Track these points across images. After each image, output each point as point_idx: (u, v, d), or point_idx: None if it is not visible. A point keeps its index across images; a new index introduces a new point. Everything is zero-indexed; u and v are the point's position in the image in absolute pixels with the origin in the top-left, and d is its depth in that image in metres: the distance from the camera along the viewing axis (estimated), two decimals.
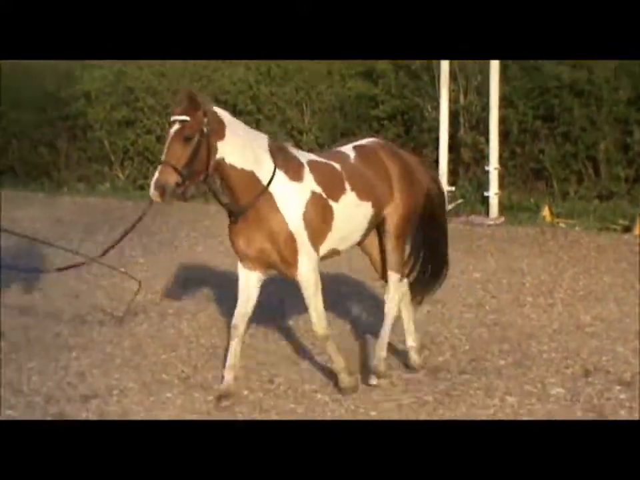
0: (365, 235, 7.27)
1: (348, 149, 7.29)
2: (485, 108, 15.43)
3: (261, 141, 6.78)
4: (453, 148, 15.88)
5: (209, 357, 8.22)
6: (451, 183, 15.61)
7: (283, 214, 6.67)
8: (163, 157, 6.40)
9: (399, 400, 7.03)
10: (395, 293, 7.46)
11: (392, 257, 7.36)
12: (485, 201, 15.27)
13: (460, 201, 15.37)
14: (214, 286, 10.26)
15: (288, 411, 6.87)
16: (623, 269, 11.09)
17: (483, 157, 15.64)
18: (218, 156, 6.53)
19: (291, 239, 6.67)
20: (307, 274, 6.81)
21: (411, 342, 7.71)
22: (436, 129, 15.81)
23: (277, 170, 6.71)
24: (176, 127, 6.40)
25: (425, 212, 7.51)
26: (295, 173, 6.76)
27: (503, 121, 15.29)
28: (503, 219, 14.78)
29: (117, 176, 18.23)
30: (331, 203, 6.88)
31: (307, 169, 6.85)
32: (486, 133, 15.40)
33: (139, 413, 6.88)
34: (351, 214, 7.00)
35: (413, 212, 7.35)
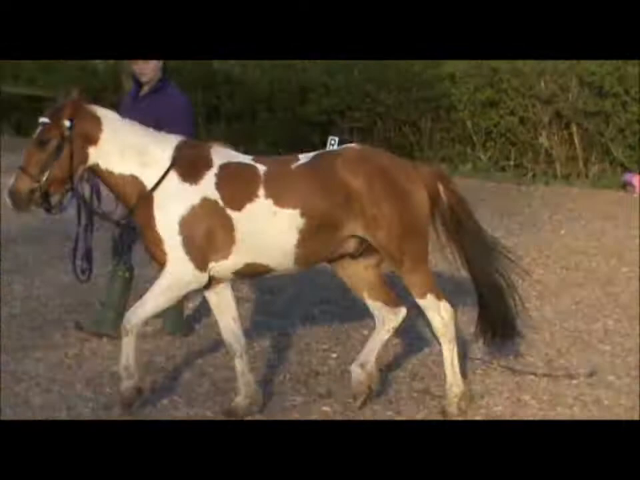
0: (313, 250, 6.26)
1: (307, 156, 6.37)
2: None
3: (164, 143, 6.25)
4: None
5: (573, 341, 8.14)
6: None
7: (156, 214, 6.11)
8: (21, 163, 6.07)
9: None
10: (436, 316, 6.37)
11: (408, 281, 6.36)
12: None
13: None
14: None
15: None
16: None
17: None
18: (92, 161, 6.14)
19: (158, 239, 6.10)
20: (166, 274, 6.14)
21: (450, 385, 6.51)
22: None
23: (170, 171, 6.15)
24: (37, 130, 6.10)
25: (447, 224, 6.49)
26: (192, 175, 6.15)
27: None
28: None
29: (478, 157, 18.28)
30: (230, 212, 6.13)
31: (212, 172, 6.18)
32: None
33: (501, 393, 6.95)
34: (265, 223, 6.16)
35: (409, 226, 6.23)
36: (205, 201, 6.10)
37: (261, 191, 6.13)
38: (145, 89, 7.67)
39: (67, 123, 6.03)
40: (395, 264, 6.33)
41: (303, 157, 6.32)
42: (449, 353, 6.44)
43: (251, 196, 6.12)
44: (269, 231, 6.13)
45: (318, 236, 6.18)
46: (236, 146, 19.54)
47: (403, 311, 6.59)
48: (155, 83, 7.59)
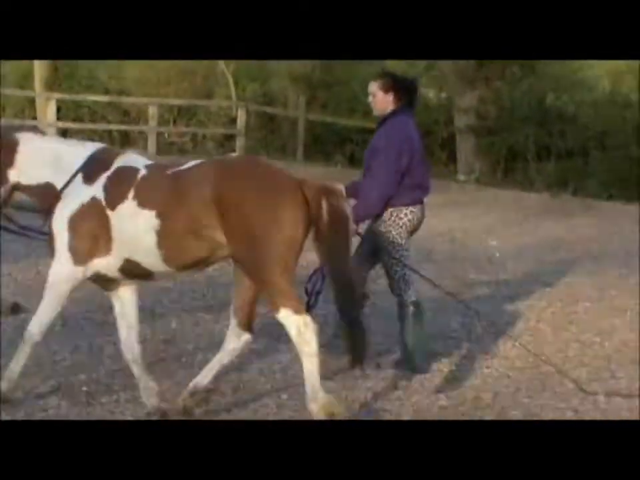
0: (175, 252, 6.35)
1: (195, 161, 6.57)
2: None
3: (79, 150, 6.79)
4: None
5: None
6: None
7: (55, 212, 6.63)
8: None
9: None
10: (292, 330, 6.16)
11: (268, 292, 6.24)
12: None
13: None
14: None
15: None
16: None
17: None
18: (13, 180, 6.80)
19: (52, 238, 6.61)
20: (51, 274, 6.62)
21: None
22: None
23: (78, 174, 6.64)
24: None
25: (320, 235, 6.30)
26: (91, 177, 6.62)
27: None
28: None
29: None
30: (108, 211, 6.52)
31: (106, 174, 6.60)
32: None
33: None
34: (129, 222, 6.46)
35: (264, 239, 6.14)
36: (92, 201, 6.57)
37: (131, 193, 6.48)
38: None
39: None
40: (249, 276, 6.36)
41: (191, 163, 6.57)
42: (311, 367, 6.17)
43: (122, 197, 6.49)
44: (133, 230, 6.46)
45: (179, 239, 6.36)
46: (566, 184, 19.48)
47: (246, 336, 6.59)
48: (383, 116, 7.79)
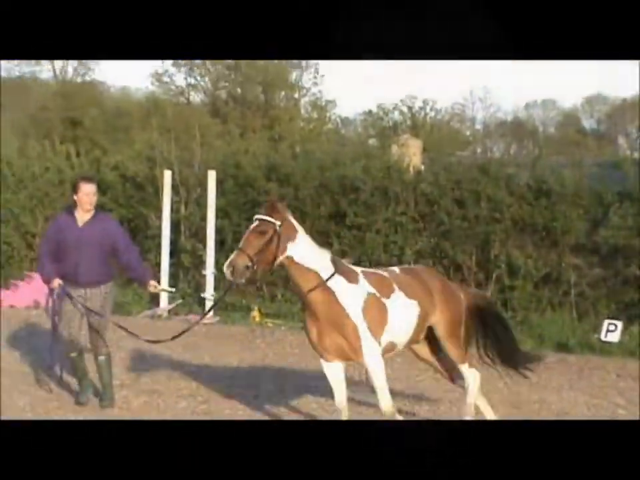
0: (416, 334, 8.42)
1: (393, 268, 8.77)
2: (204, 218, 17.17)
3: (325, 253, 8.02)
4: (174, 253, 17.55)
5: None
6: (171, 285, 16.62)
7: (345, 307, 7.84)
8: (240, 245, 7.71)
9: None
10: (470, 379, 8.58)
11: (452, 353, 8.60)
12: (202, 302, 16.87)
13: (179, 301, 16.02)
14: None
15: None
16: None
17: (202, 262, 17.29)
18: (288, 254, 7.79)
19: (354, 329, 7.85)
20: (371, 359, 7.90)
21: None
22: (158, 236, 17.47)
23: (336, 274, 7.92)
24: (255, 223, 7.77)
25: (475, 314, 8.79)
26: (352, 278, 8.02)
27: (219, 230, 17.10)
28: (217, 318, 16.15)
29: None
30: (384, 299, 8.07)
31: (361, 276, 8.14)
32: (204, 241, 17.15)
33: None
34: (401, 309, 8.16)
35: (458, 317, 8.62)
36: (369, 294, 8.05)
37: (395, 286, 8.32)
38: None
39: (278, 223, 7.76)
40: (443, 342, 8.65)
41: (392, 268, 8.79)
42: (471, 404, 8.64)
43: (391, 289, 8.28)
44: (405, 313, 8.29)
45: (422, 322, 8.43)
46: None
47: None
48: None
